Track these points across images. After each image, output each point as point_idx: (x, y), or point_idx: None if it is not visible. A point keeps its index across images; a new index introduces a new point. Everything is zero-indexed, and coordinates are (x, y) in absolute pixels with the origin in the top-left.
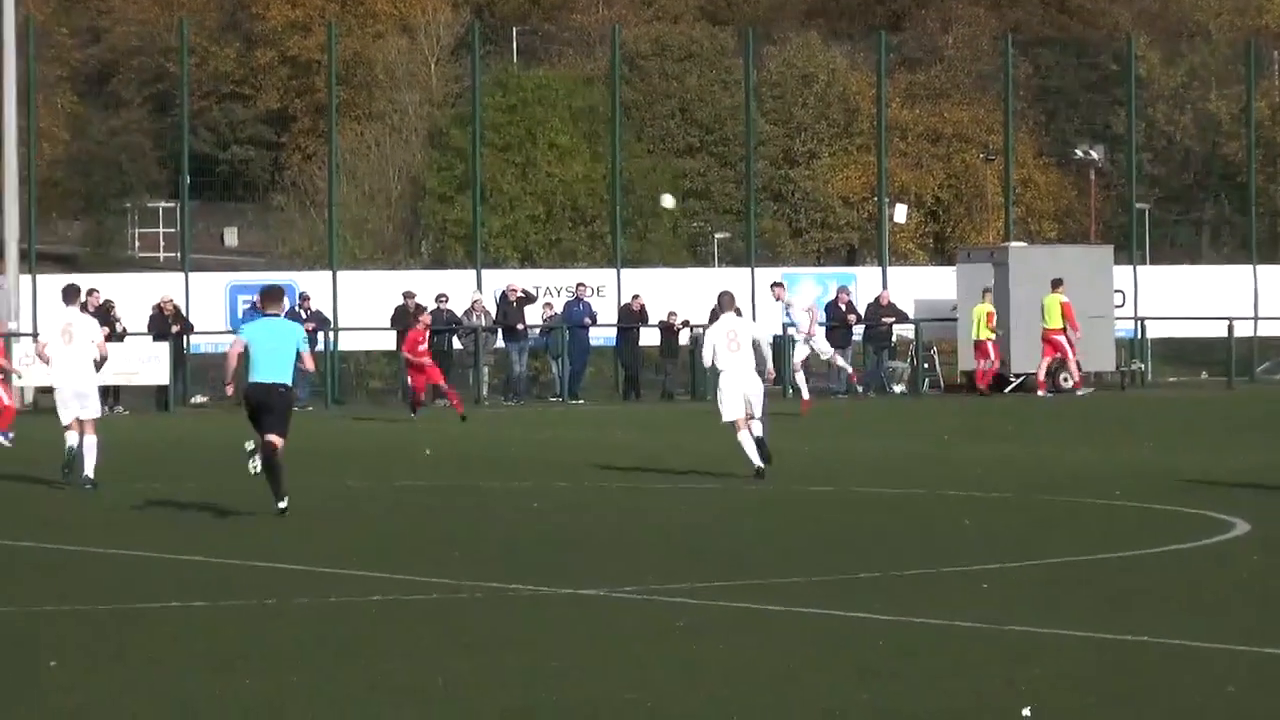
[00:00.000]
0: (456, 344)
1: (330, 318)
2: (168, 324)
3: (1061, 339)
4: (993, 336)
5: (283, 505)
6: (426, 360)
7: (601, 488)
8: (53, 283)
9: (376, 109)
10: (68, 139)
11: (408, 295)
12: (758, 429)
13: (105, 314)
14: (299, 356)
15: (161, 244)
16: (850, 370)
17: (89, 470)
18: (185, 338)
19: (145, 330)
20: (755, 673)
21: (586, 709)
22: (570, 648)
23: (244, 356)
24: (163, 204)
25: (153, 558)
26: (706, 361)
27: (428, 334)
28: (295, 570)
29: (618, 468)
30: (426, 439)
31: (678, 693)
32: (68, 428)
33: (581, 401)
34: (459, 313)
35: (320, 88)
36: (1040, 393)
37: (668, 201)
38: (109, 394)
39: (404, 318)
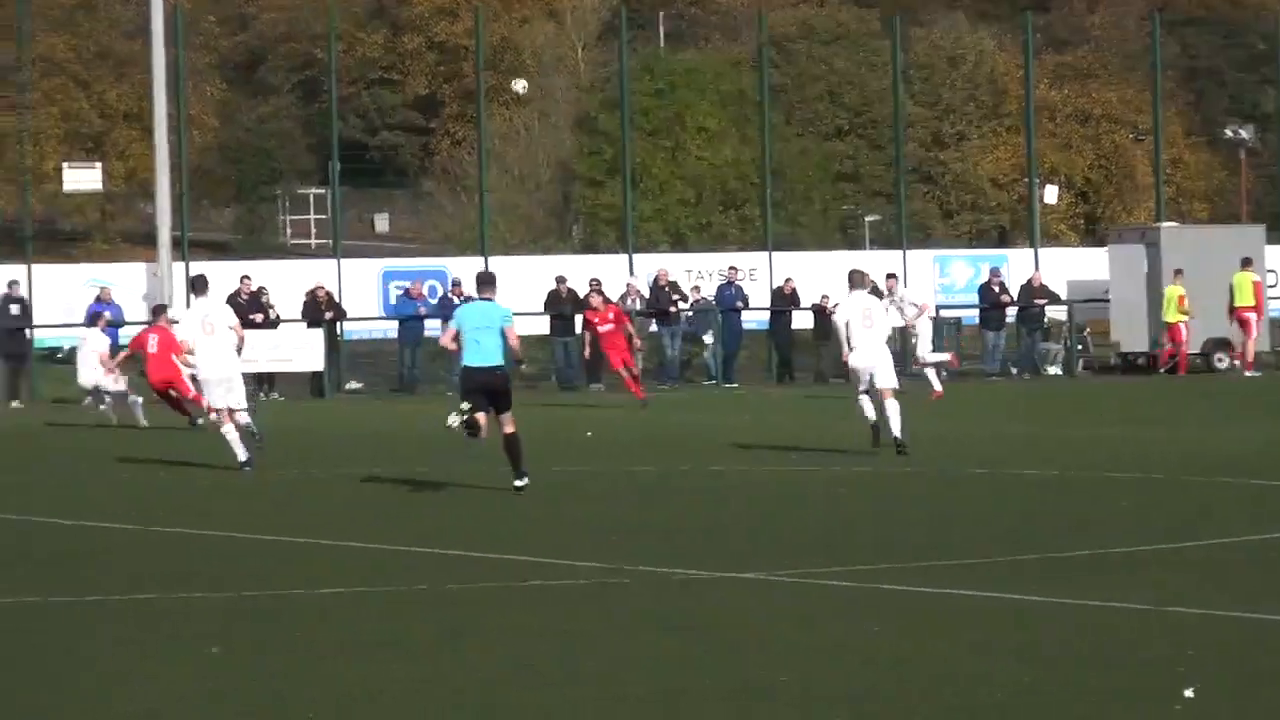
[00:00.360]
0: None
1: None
2: (321, 310)
3: (1251, 316)
4: (1185, 318)
5: (521, 483)
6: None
7: (756, 471)
8: (205, 270)
9: (525, 94)
10: (217, 126)
11: (560, 280)
12: (891, 409)
13: (258, 301)
14: (505, 337)
15: (313, 230)
16: (947, 359)
17: (242, 455)
18: (338, 324)
19: (299, 317)
20: (911, 656)
21: (739, 692)
22: (725, 631)
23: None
24: (313, 190)
25: (308, 543)
26: (842, 337)
27: (612, 316)
28: (450, 555)
29: (771, 449)
30: (587, 422)
31: (830, 676)
32: (216, 413)
33: (735, 385)
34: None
35: (468, 73)
36: (1248, 373)
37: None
38: (263, 381)
39: (556, 302)
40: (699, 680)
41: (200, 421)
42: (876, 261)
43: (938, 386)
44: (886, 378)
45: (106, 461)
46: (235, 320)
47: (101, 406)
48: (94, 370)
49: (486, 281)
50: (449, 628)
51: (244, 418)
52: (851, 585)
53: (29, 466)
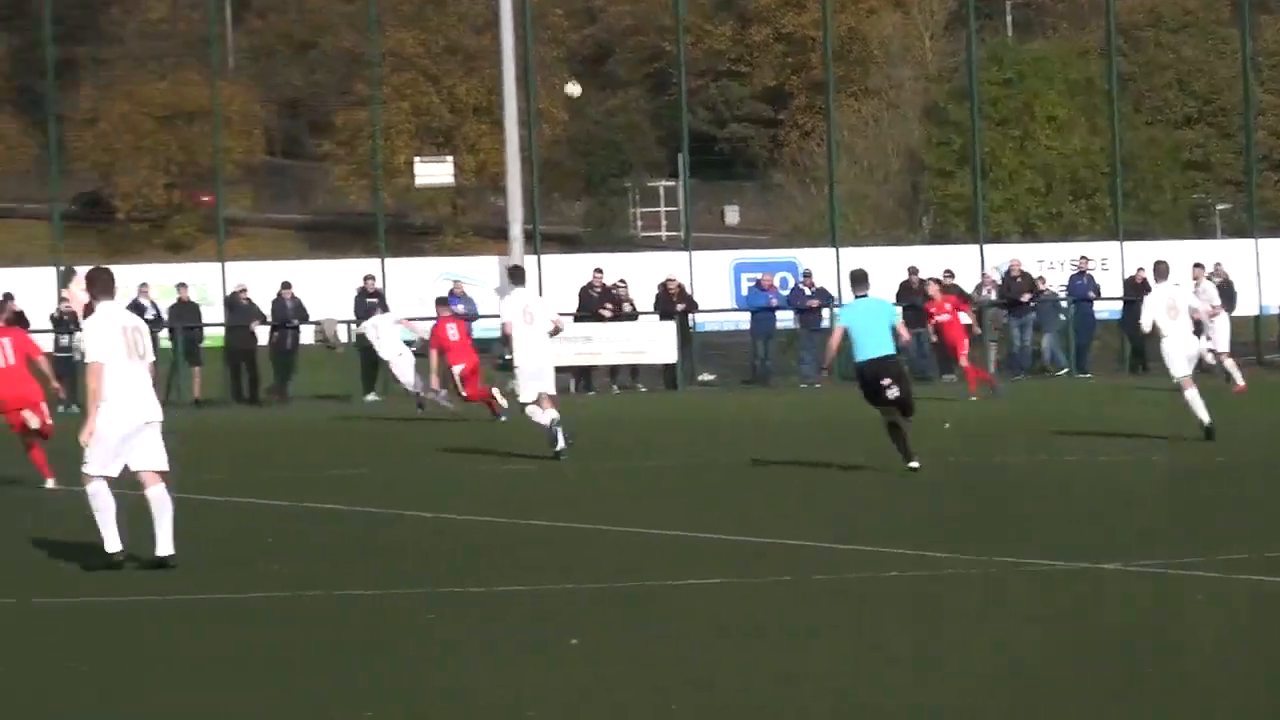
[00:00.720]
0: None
1: (833, 295)
2: (673, 303)
3: None
4: None
5: (914, 464)
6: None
7: (1105, 460)
8: (556, 263)
9: (873, 85)
10: (566, 120)
11: (912, 270)
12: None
13: (610, 294)
14: (895, 331)
15: (663, 223)
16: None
17: (561, 443)
18: (690, 316)
19: (651, 309)
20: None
21: (1065, 678)
22: (1064, 621)
23: (843, 340)
24: (663, 183)
25: (660, 534)
26: (1145, 328)
27: (949, 306)
28: (806, 546)
29: (1113, 437)
30: (945, 413)
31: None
32: (534, 403)
33: (1088, 375)
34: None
35: (816, 64)
36: None
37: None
38: (617, 372)
39: (909, 293)
40: (1029, 665)
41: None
42: (1228, 251)
43: (1240, 380)
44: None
45: (429, 452)
46: (555, 311)
47: (437, 400)
48: (404, 368)
49: (862, 279)
50: (808, 619)
51: (547, 411)
52: (1217, 576)
53: (379, 459)
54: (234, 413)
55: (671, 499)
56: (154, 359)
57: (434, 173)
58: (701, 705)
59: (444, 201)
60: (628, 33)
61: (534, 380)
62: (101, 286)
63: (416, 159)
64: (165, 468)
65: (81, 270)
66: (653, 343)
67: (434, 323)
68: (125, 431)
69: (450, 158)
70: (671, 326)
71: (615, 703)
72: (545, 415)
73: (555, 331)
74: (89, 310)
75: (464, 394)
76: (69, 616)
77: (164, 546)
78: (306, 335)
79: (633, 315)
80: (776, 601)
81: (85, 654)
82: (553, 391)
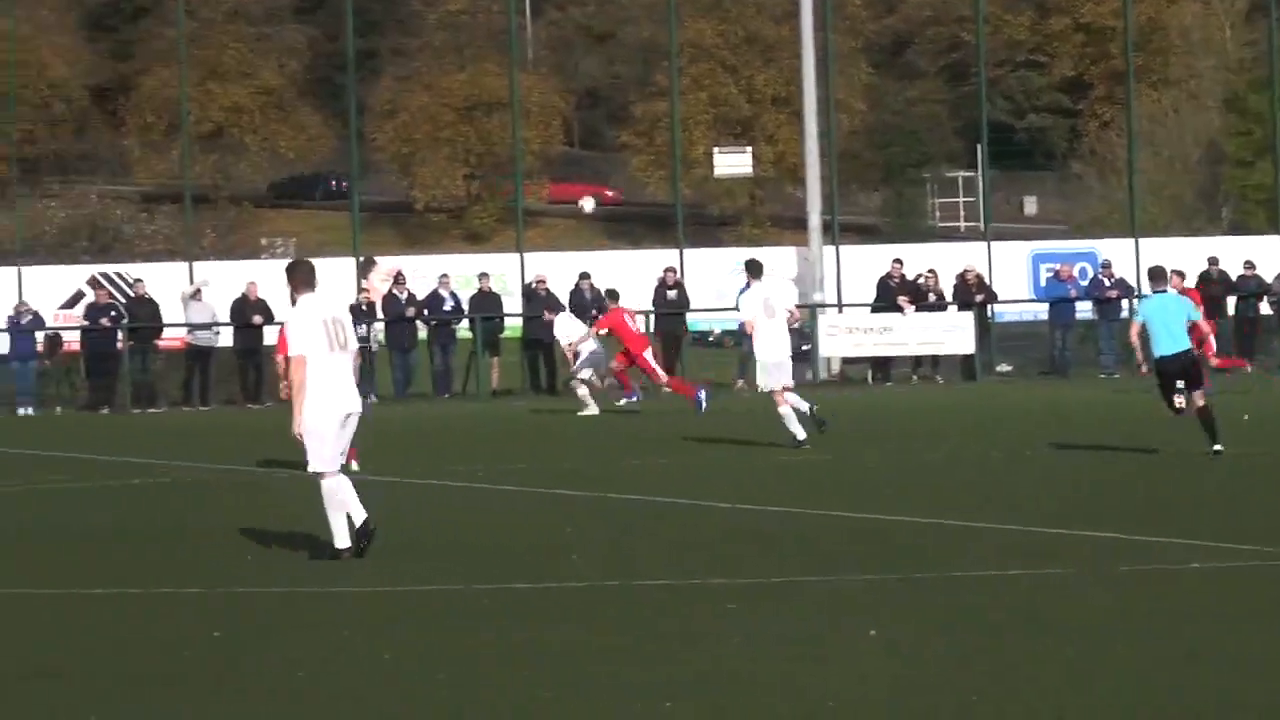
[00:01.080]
0: (1265, 309)
1: (1132, 285)
2: (971, 293)
3: None
4: None
5: (1217, 448)
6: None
7: None
8: (854, 254)
9: (1172, 75)
10: (864, 110)
11: (1212, 261)
12: None
13: (912, 284)
14: (1194, 325)
15: (961, 213)
16: None
17: (802, 435)
18: (989, 307)
19: (950, 299)
20: None
21: None
22: None
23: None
24: (961, 173)
25: (961, 525)
26: None
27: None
28: (1103, 538)
29: None
30: (1244, 405)
31: None
32: (772, 392)
33: None
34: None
35: (1115, 54)
36: None
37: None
38: (920, 363)
39: (1208, 283)
40: None
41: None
42: None
43: None
44: None
45: (724, 444)
46: (794, 303)
47: (623, 401)
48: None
49: (1159, 275)
50: (1120, 609)
51: (795, 398)
52: None
53: (677, 451)
54: (532, 403)
55: (968, 489)
56: (356, 348)
57: (733, 163)
58: (1005, 694)
59: (742, 192)
60: (926, 23)
61: (774, 372)
62: (302, 279)
63: (715, 150)
64: (344, 459)
65: (382, 261)
66: (951, 333)
67: (610, 316)
68: (337, 424)
69: (749, 148)
70: (970, 317)
71: (917, 696)
72: (786, 407)
73: (793, 323)
74: (293, 301)
75: (663, 383)
76: (369, 603)
77: (359, 514)
78: None
79: (941, 305)
80: (1079, 592)
81: (388, 643)
82: (791, 383)
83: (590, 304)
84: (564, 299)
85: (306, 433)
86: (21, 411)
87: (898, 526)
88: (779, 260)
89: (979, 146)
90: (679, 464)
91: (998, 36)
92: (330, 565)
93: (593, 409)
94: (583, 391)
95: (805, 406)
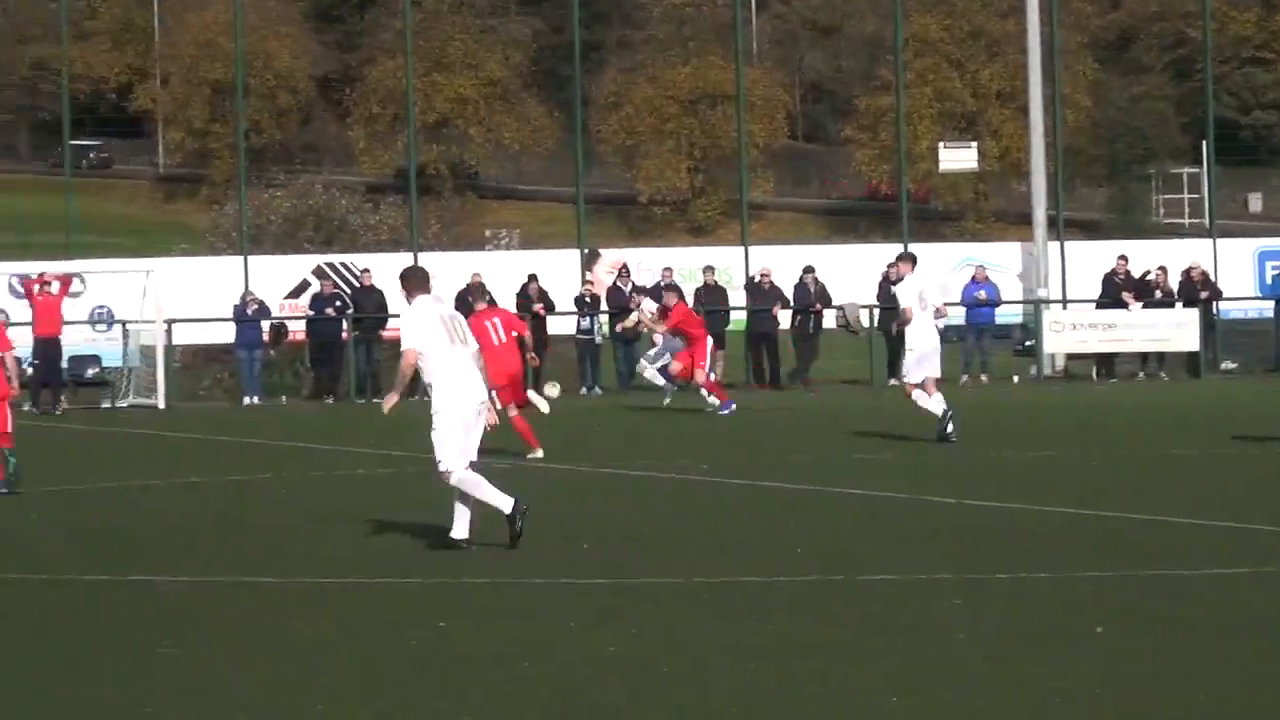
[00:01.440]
0: None
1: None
2: (1196, 290)
3: None
4: None
5: None
6: None
7: None
8: (1078, 250)
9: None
10: (1089, 106)
11: None
12: None
13: (1133, 280)
14: None
15: (1186, 210)
16: None
17: (951, 427)
18: (1214, 304)
19: (1176, 296)
20: None
21: None
22: None
23: None
24: (1186, 169)
25: (1190, 523)
26: None
27: None
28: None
29: None
30: None
31: None
32: (919, 386)
33: None
34: None
35: None
36: None
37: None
38: (1147, 360)
39: None
40: None
41: None
42: None
43: None
44: None
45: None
46: (944, 298)
47: (666, 400)
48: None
49: None
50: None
51: (939, 399)
52: None
53: (901, 444)
54: (755, 397)
55: (1196, 486)
56: (476, 347)
57: (958, 158)
58: (1225, 696)
59: (966, 187)
60: (1151, 19)
61: (923, 363)
62: (416, 283)
63: (941, 144)
64: (475, 458)
65: (606, 253)
66: (1176, 330)
67: (676, 312)
68: (467, 418)
69: (974, 143)
70: (1195, 314)
71: (1141, 693)
72: (933, 400)
73: (940, 316)
74: (458, 302)
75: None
76: (590, 594)
77: (505, 504)
78: (829, 319)
79: (1167, 302)
80: (1243, 593)
81: (610, 635)
82: (939, 375)
83: (814, 298)
84: (788, 292)
85: (434, 429)
86: (247, 401)
87: (1121, 523)
88: (1004, 255)
89: (1204, 143)
90: (901, 460)
91: (1224, 32)
92: (556, 557)
93: (667, 395)
94: (650, 373)
95: (941, 409)
